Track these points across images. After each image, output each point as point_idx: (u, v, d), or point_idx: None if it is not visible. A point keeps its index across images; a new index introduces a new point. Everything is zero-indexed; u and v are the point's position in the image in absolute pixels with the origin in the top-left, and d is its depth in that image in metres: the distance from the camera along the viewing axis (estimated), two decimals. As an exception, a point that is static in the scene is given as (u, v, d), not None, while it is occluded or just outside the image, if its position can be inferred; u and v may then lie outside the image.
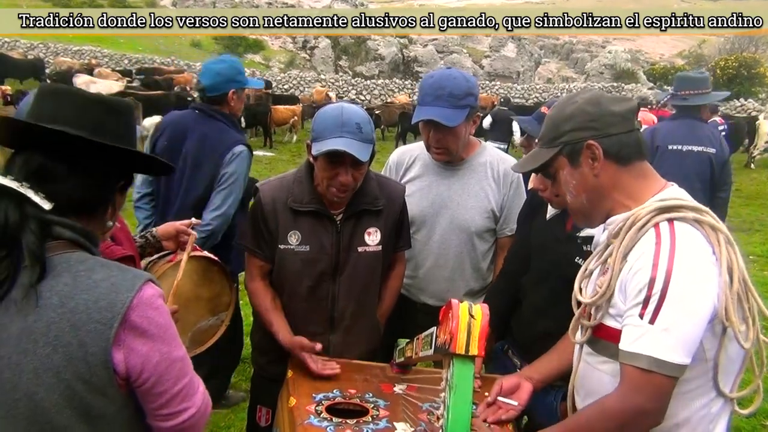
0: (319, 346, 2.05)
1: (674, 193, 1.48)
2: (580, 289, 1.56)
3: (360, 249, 2.18)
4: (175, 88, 20.60)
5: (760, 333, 1.40)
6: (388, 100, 26.04)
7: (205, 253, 2.16)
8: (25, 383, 1.12)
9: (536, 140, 1.66)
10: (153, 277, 1.22)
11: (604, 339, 1.49)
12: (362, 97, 28.12)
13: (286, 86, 28.11)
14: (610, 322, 1.46)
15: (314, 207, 2.13)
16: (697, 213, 1.40)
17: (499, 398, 1.74)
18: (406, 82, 31.80)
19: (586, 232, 1.97)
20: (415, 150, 2.63)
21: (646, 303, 1.33)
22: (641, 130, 1.56)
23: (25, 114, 1.28)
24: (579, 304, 1.57)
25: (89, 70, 21.39)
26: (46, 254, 1.15)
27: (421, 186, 2.54)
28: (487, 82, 32.40)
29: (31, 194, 1.16)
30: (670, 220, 1.39)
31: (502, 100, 18.62)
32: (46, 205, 1.16)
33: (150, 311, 1.18)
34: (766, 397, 4.01)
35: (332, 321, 2.19)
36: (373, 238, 2.19)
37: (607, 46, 41.62)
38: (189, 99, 17.76)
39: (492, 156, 2.55)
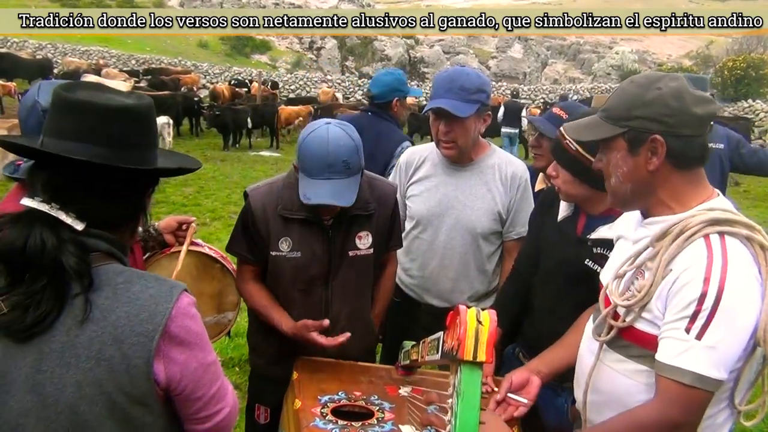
0: (326, 322, 2.04)
1: (723, 203, 1.45)
2: (612, 290, 1.53)
3: (351, 253, 2.17)
4: (182, 89, 20.68)
5: None
6: (395, 100, 25.99)
7: (206, 250, 2.16)
8: (67, 397, 1.11)
9: (601, 109, 1.54)
10: (186, 286, 1.23)
11: (631, 341, 1.47)
12: (368, 98, 28.06)
13: (292, 87, 28.11)
14: (642, 326, 1.44)
15: (304, 214, 2.11)
16: (750, 230, 1.37)
17: (509, 395, 1.73)
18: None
19: (596, 235, 1.97)
20: (425, 150, 2.64)
21: (694, 318, 1.31)
22: None
23: (43, 124, 1.22)
24: (606, 302, 1.54)
25: (97, 71, 21.48)
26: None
27: (428, 186, 2.54)
28: (494, 82, 32.27)
29: (62, 216, 1.15)
30: (722, 234, 1.36)
31: (513, 92, 20.50)
32: (79, 226, 1.16)
33: (187, 320, 1.19)
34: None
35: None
36: (364, 241, 2.19)
37: (615, 47, 41.48)
38: (196, 99, 17.89)
39: (501, 158, 2.54)
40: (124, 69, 25.66)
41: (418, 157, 2.61)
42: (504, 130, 14.34)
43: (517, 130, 14.35)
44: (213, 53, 35.60)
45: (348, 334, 2.06)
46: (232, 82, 25.08)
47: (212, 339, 2.17)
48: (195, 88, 22.40)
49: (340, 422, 1.72)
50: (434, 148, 2.56)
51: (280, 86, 25.98)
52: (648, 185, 1.46)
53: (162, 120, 14.05)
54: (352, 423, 1.73)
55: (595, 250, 1.95)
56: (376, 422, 1.75)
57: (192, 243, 2.12)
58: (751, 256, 1.35)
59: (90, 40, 29.16)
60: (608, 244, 1.89)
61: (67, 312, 1.12)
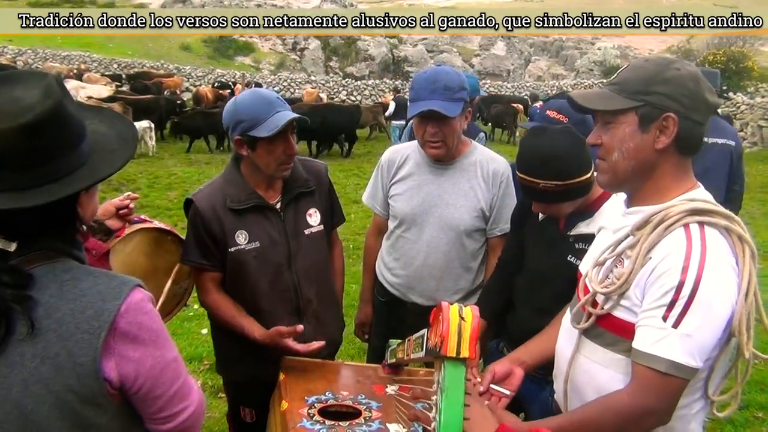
0: (300, 328, 2.06)
1: (703, 194, 1.46)
2: (592, 277, 1.53)
3: (306, 232, 2.25)
4: (165, 92, 20.52)
5: (751, 344, 1.39)
6: (379, 100, 26.03)
7: (156, 224, 2.14)
8: (14, 395, 1.10)
9: (611, 82, 1.50)
10: (141, 282, 1.20)
11: (608, 329, 1.48)
12: (353, 98, 28.04)
13: (276, 88, 27.99)
14: (620, 314, 1.45)
15: (254, 202, 2.16)
16: (729, 221, 1.38)
17: (492, 386, 1.74)
18: (397, 82, 31.78)
19: (577, 231, 1.98)
20: (407, 149, 2.63)
21: (671, 306, 1.32)
22: None
23: None
24: (585, 290, 1.55)
25: (78, 76, 21.26)
26: (27, 268, 1.13)
27: (411, 185, 2.54)
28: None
29: None
30: (701, 224, 1.37)
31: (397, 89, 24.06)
32: (11, 247, 1.13)
33: (140, 316, 1.16)
34: (758, 388, 4.01)
35: (299, 310, 2.23)
36: (314, 218, 2.28)
37: (597, 43, 41.76)
38: (179, 102, 17.76)
39: (482, 155, 2.55)
40: (106, 73, 25.42)
41: (401, 155, 2.61)
42: (394, 123, 16.68)
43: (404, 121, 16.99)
44: (196, 56, 35.38)
45: (322, 342, 2.10)
46: (216, 84, 24.96)
47: (173, 311, 2.19)
48: (178, 92, 22.26)
49: (328, 422, 1.72)
50: (416, 147, 2.56)
51: (263, 88, 25.85)
52: (650, 166, 1.44)
53: (143, 124, 13.96)
54: (340, 423, 1.73)
55: (576, 245, 1.97)
56: (363, 421, 1.75)
57: (142, 220, 2.10)
58: (728, 247, 1.37)
59: (71, 44, 28.91)
60: (589, 240, 1.91)
61: (15, 323, 1.09)
